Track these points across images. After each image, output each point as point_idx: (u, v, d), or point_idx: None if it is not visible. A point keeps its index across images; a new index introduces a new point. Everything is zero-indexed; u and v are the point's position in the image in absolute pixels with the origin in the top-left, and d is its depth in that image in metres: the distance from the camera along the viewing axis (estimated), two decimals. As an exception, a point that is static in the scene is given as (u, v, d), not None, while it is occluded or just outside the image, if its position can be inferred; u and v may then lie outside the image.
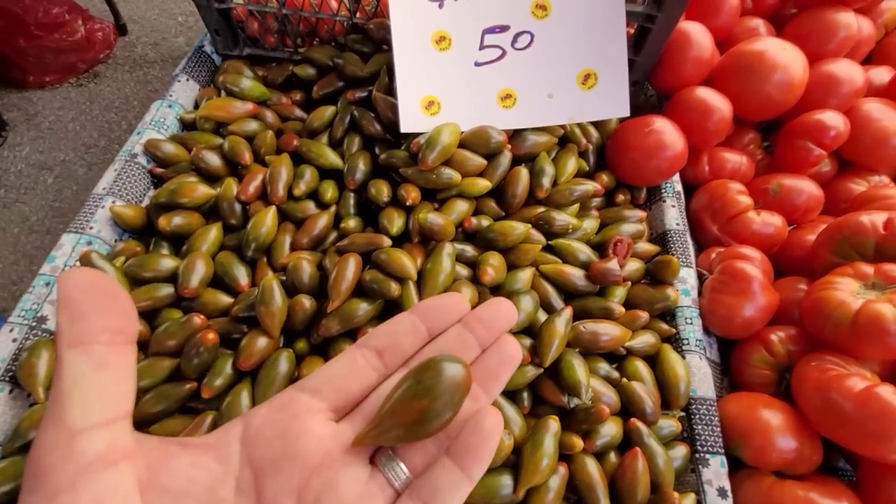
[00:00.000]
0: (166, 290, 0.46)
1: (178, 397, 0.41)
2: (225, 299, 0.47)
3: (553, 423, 0.41)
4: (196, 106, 0.64)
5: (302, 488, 0.19)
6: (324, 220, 0.52)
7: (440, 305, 0.25)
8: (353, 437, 0.20)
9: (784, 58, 0.59)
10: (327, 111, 0.60)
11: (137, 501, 0.16)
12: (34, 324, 0.44)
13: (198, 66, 0.65)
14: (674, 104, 0.62)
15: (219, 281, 0.49)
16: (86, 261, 0.45)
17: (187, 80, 0.63)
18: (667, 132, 0.57)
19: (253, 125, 0.59)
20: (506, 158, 0.54)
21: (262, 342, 0.43)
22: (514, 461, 0.41)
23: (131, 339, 0.17)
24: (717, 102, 0.60)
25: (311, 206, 0.54)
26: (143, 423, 0.41)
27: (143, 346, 0.44)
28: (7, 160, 1.39)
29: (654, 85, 0.66)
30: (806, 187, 0.60)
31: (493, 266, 0.48)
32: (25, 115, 1.49)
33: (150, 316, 0.46)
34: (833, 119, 0.59)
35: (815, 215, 0.61)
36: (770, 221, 0.57)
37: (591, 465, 0.41)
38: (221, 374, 0.42)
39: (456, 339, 0.24)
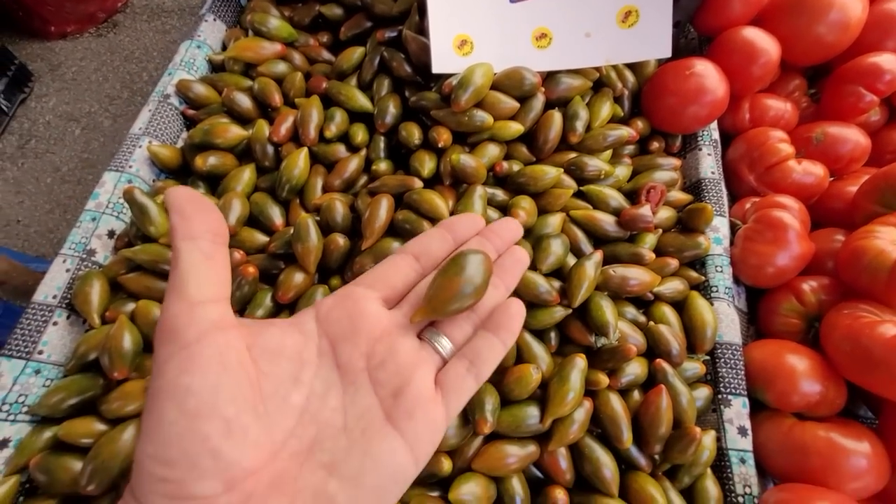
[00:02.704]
0: (205, 228, 0.48)
1: (222, 327, 0.44)
2: (261, 238, 0.49)
3: (580, 361, 0.42)
4: (224, 47, 0.63)
5: (369, 353, 0.23)
6: (354, 163, 0.53)
7: (462, 221, 0.30)
8: (405, 318, 0.25)
9: (841, -6, 0.55)
10: (356, 53, 0.58)
11: (247, 356, 0.20)
12: (84, 256, 0.47)
13: (224, 6, 0.64)
14: (718, 46, 0.59)
15: (254, 220, 0.50)
16: (129, 196, 0.46)
17: (214, 20, 0.62)
18: (708, 76, 0.55)
19: (282, 67, 0.58)
20: (539, 102, 0.53)
21: (298, 277, 0.45)
22: (541, 395, 0.42)
23: (225, 241, 0.20)
24: (764, 44, 0.57)
25: (341, 149, 0.54)
26: (190, 349, 0.44)
27: (187, 279, 0.46)
28: (35, 111, 1.41)
29: (697, 26, 0.63)
30: (852, 136, 0.57)
31: (525, 209, 0.48)
32: (49, 65, 1.49)
33: (191, 251, 0.48)
34: (890, 62, 0.55)
35: (860, 166, 0.59)
36: (811, 171, 0.55)
37: (615, 401, 0.42)
38: (262, 305, 0.44)
39: (477, 245, 0.29)
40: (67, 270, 0.46)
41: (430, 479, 0.39)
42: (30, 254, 1.21)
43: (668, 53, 0.54)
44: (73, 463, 0.39)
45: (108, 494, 0.39)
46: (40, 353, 0.42)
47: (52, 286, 0.45)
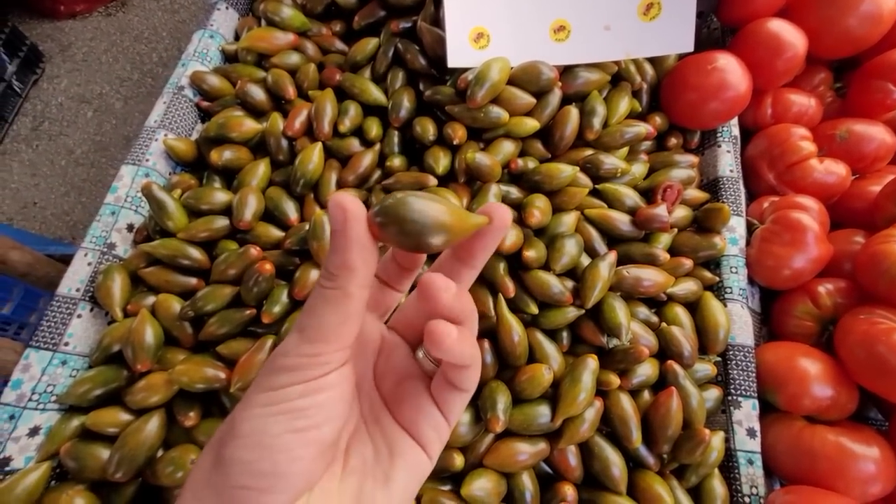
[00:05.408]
0: (222, 222, 0.48)
1: (240, 321, 0.45)
2: (276, 232, 0.49)
3: (591, 361, 0.42)
4: (237, 36, 0.63)
5: (374, 365, 0.23)
6: (369, 158, 0.52)
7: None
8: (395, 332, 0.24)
9: (875, -15, 0.53)
10: (370, 44, 0.57)
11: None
12: (105, 249, 0.47)
13: (236, -7, 0.63)
14: (742, 38, 0.57)
15: (269, 215, 0.50)
16: (147, 191, 0.46)
17: (227, 8, 0.62)
18: (730, 71, 0.53)
19: (295, 57, 0.58)
20: (555, 97, 0.52)
21: (314, 274, 0.45)
22: (553, 394, 0.43)
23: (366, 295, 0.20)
24: (790, 37, 0.55)
25: (355, 144, 0.54)
26: (209, 343, 0.45)
27: (206, 274, 0.47)
28: (47, 92, 1.41)
29: (721, 16, 0.60)
30: (878, 134, 0.56)
31: (539, 208, 0.47)
32: (60, 45, 1.49)
33: (208, 246, 0.48)
34: (921, 57, 0.54)
35: (884, 164, 0.57)
36: (833, 170, 0.54)
37: (626, 401, 0.43)
38: (278, 301, 0.44)
39: None
40: (89, 264, 0.47)
41: (442, 474, 0.41)
42: (47, 235, 1.24)
43: (690, 48, 0.53)
44: (101, 451, 0.40)
45: (134, 481, 0.41)
46: (66, 344, 0.44)
47: (74, 279, 0.46)
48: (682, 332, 0.46)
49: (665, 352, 0.46)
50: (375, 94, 0.55)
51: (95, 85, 1.44)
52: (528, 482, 0.41)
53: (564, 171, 0.49)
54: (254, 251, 0.45)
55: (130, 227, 0.50)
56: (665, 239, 0.50)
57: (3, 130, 1.33)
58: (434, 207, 0.18)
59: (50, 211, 1.26)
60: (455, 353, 0.18)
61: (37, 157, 1.33)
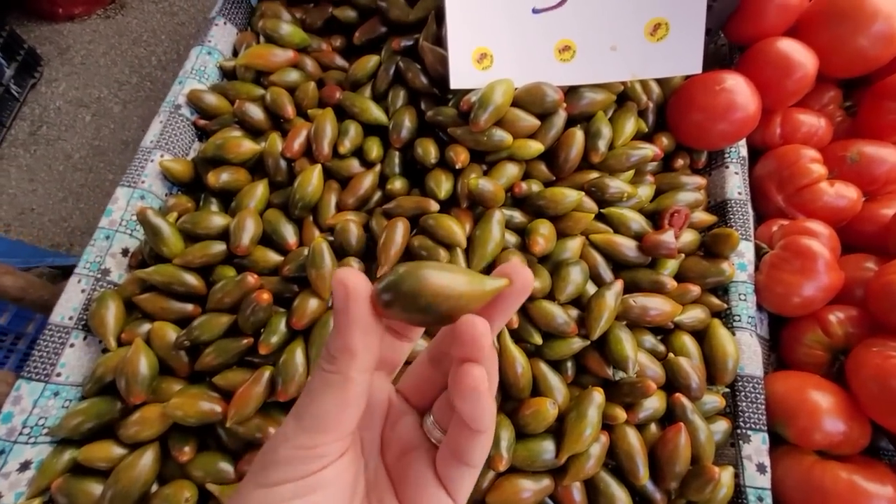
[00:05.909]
0: (219, 248, 0.47)
1: (237, 352, 0.43)
2: (274, 257, 0.48)
3: (597, 395, 0.41)
4: (235, 52, 0.61)
5: (381, 432, 0.22)
6: (369, 180, 0.51)
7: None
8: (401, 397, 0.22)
9: (887, 5, 0.52)
10: (370, 61, 0.56)
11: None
12: (99, 276, 0.46)
13: (234, 9, 0.62)
14: (751, 57, 0.56)
15: (267, 238, 0.49)
16: (142, 217, 0.45)
17: (224, 23, 0.60)
18: (739, 91, 0.52)
19: (294, 75, 0.56)
20: (560, 118, 0.51)
21: (313, 303, 0.44)
22: (557, 427, 0.42)
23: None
24: (800, 57, 0.53)
25: (355, 164, 0.52)
26: (205, 373, 0.44)
27: (202, 300, 0.46)
28: (45, 96, 1.40)
29: (729, 34, 0.59)
30: (889, 156, 0.54)
31: (544, 236, 0.46)
32: (58, 48, 1.47)
33: (205, 271, 0.47)
34: (935, 79, 0.52)
35: (895, 187, 0.56)
36: (843, 194, 0.53)
37: (633, 436, 0.42)
38: (276, 331, 0.43)
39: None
40: (83, 291, 0.45)
41: (444, 512, 0.40)
42: (44, 243, 1.22)
43: (698, 69, 0.51)
44: (93, 486, 0.39)
45: (128, 518, 0.40)
46: (58, 375, 0.43)
47: (67, 307, 0.45)
48: (690, 364, 0.45)
49: (672, 383, 0.45)
50: (376, 113, 0.53)
51: (94, 89, 1.43)
52: (531, 520, 0.40)
53: (569, 195, 0.48)
54: (251, 279, 0.44)
55: (125, 252, 0.48)
56: (672, 265, 0.49)
57: (1, 135, 1.32)
58: (446, 278, 0.17)
59: (48, 217, 1.25)
60: (482, 405, 0.17)
61: (35, 163, 1.32)
